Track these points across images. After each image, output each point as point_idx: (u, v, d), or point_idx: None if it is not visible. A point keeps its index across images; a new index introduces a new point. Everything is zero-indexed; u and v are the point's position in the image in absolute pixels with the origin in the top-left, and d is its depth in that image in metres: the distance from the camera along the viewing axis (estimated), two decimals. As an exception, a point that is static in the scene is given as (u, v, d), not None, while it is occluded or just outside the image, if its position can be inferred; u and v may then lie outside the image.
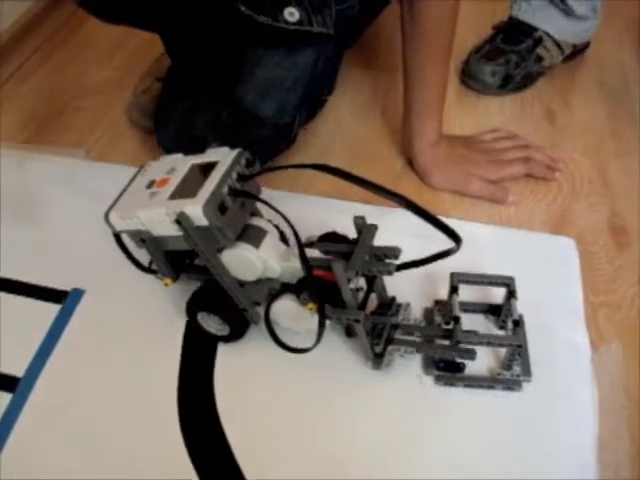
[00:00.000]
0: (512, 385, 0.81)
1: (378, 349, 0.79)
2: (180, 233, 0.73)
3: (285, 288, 0.79)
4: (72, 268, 0.95)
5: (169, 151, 0.90)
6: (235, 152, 0.77)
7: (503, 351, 0.81)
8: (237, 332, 0.84)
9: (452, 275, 0.85)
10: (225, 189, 0.74)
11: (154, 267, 0.83)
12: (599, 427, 0.77)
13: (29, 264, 0.95)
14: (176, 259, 0.82)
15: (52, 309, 0.90)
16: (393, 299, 0.84)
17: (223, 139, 0.91)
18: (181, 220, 0.71)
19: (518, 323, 0.82)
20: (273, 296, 0.79)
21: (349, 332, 0.84)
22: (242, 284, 0.80)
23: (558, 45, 1.27)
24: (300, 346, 0.77)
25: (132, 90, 1.22)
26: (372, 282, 0.81)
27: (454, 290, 0.84)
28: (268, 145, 1.03)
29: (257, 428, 0.78)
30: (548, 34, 1.26)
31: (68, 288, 0.92)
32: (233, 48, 0.98)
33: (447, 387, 0.81)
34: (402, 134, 1.11)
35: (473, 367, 0.83)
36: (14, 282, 0.93)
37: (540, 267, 0.94)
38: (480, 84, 1.27)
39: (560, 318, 0.88)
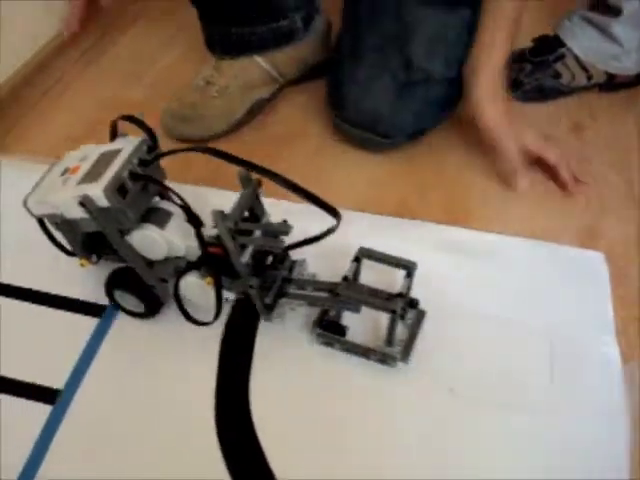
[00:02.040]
0: (386, 359, 0.86)
1: (268, 300, 0.85)
2: (87, 215, 0.80)
3: (190, 266, 0.85)
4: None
5: (354, 124, 1.11)
6: (138, 140, 0.83)
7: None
8: (151, 309, 0.91)
9: (360, 249, 0.89)
10: (126, 173, 0.80)
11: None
12: (631, 442, 0.78)
13: (70, 279, 0.97)
14: (99, 242, 0.88)
15: (90, 323, 0.93)
16: (286, 255, 0.88)
17: (403, 104, 1.08)
18: (85, 202, 0.78)
19: (412, 303, 0.87)
20: (179, 273, 0.85)
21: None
22: (152, 263, 0.86)
23: (583, 66, 1.27)
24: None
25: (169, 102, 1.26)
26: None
27: (356, 260, 0.89)
28: (439, 106, 1.14)
29: (291, 436, 0.82)
30: (572, 52, 1.27)
31: (106, 302, 0.94)
32: (395, 11, 1.07)
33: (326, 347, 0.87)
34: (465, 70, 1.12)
35: (358, 338, 0.88)
36: (54, 296, 0.96)
37: (570, 281, 0.95)
38: None
39: (590, 332, 0.89)
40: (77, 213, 0.81)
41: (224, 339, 0.91)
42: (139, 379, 0.86)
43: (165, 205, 0.86)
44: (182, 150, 0.81)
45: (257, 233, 0.83)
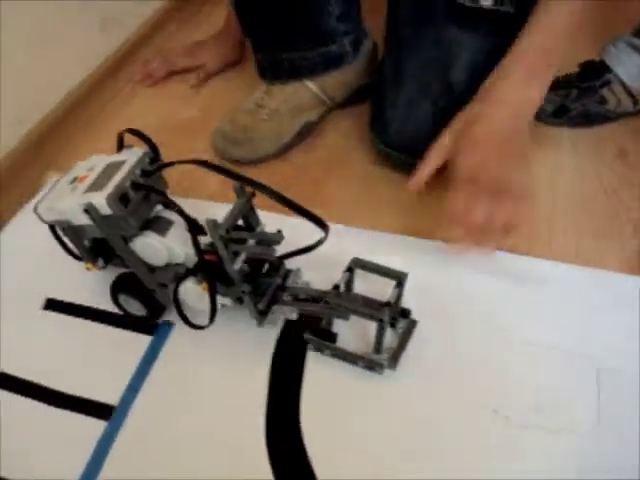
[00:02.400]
0: (374, 366, 0.89)
1: (261, 306, 0.89)
2: (92, 222, 0.85)
3: (188, 272, 0.89)
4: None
5: (395, 147, 1.12)
6: (141, 151, 0.89)
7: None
8: (153, 312, 0.96)
9: (352, 259, 0.93)
10: (128, 183, 0.85)
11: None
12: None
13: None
14: (105, 248, 0.94)
15: (144, 340, 0.96)
16: (281, 264, 0.92)
17: (444, 125, 1.05)
18: (89, 210, 0.83)
19: (404, 313, 0.91)
20: (178, 279, 0.89)
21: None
22: (153, 269, 0.91)
23: (629, 92, 1.27)
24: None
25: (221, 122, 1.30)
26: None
27: (349, 270, 0.92)
28: None
29: (338, 449, 0.83)
30: (618, 78, 1.26)
31: (159, 320, 0.98)
32: (435, 35, 1.08)
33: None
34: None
35: (349, 345, 0.92)
36: (109, 313, 0.99)
37: (618, 309, 0.95)
38: None
39: (633, 360, 0.89)
40: (82, 220, 0.86)
41: (275, 355, 0.93)
42: (191, 395, 0.89)
43: (167, 214, 0.91)
44: (180, 162, 0.86)
45: (251, 242, 0.87)
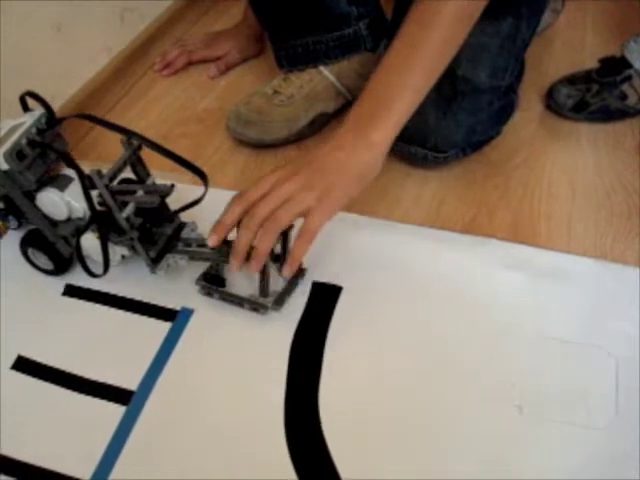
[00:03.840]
0: (258, 307, 0.93)
1: (152, 254, 0.93)
2: (-6, 179, 0.92)
3: (86, 225, 0.94)
4: (182, 288, 0.99)
5: (403, 139, 1.05)
6: (38, 113, 0.94)
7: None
8: (58, 265, 1.01)
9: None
10: (24, 140, 0.91)
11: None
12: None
13: (142, 283, 1.00)
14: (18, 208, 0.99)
15: (163, 327, 0.95)
16: (174, 216, 0.97)
17: (451, 117, 1.09)
18: (-12, 166, 0.90)
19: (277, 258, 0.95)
20: (78, 232, 0.94)
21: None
22: (56, 223, 0.97)
23: None
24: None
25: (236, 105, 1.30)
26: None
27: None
28: (491, 119, 1.14)
29: (358, 438, 0.81)
30: (639, 73, 1.24)
31: (178, 307, 0.97)
32: None
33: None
34: None
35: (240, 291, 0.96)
36: (128, 300, 0.99)
37: (633, 301, 0.94)
38: (554, 103, 1.30)
39: None
40: (-16, 178, 0.91)
41: (295, 340, 0.92)
42: (211, 382, 0.88)
43: (68, 172, 0.95)
44: (68, 117, 0.93)
45: (140, 192, 0.90)
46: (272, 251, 0.89)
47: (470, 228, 1.07)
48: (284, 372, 0.88)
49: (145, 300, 0.99)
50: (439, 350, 0.89)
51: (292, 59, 1.29)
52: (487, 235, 1.05)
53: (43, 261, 1.00)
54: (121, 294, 1.00)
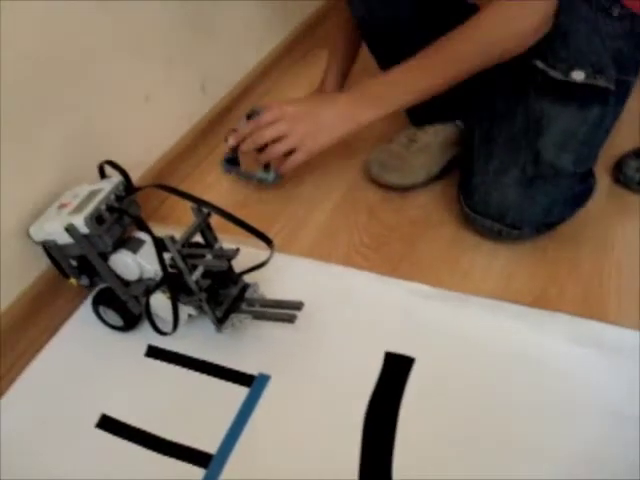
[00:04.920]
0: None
1: (219, 314, 0.99)
2: (72, 240, 0.99)
3: (157, 285, 1.02)
4: (258, 354, 1.02)
5: (482, 213, 1.17)
6: (116, 180, 1.03)
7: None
8: (127, 322, 1.08)
9: None
10: (103, 206, 0.99)
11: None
12: None
13: (221, 348, 1.04)
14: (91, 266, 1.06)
15: (241, 391, 0.98)
16: (239, 278, 1.03)
17: (530, 197, 1.14)
18: (70, 229, 0.97)
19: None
20: (148, 291, 1.02)
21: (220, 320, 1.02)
22: (128, 283, 1.04)
23: None
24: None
25: (372, 153, 1.38)
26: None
27: None
28: (569, 202, 1.17)
29: None
30: None
31: (255, 373, 1.00)
32: (525, 107, 1.14)
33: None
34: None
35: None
36: (207, 363, 1.03)
37: None
38: (623, 176, 1.31)
39: None
40: (65, 239, 0.99)
41: (369, 411, 0.95)
42: (287, 447, 0.90)
43: (141, 235, 1.03)
44: (145, 187, 1.00)
45: (208, 256, 0.98)
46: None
47: (539, 302, 1.08)
48: (358, 441, 0.91)
49: (222, 363, 1.03)
50: (505, 425, 0.91)
51: (428, 117, 1.38)
52: (556, 309, 1.06)
53: (113, 318, 1.07)
54: (199, 356, 1.04)
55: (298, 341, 1.03)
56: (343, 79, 1.49)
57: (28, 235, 1.03)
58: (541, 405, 0.93)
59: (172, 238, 0.93)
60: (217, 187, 1.43)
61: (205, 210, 0.99)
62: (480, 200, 1.17)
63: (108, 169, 1.07)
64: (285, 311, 1.00)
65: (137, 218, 1.00)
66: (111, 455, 0.91)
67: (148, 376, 1.02)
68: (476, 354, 0.99)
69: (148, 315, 1.01)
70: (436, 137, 1.36)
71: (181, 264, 0.95)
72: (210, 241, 1.01)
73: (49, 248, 1.02)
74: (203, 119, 1.52)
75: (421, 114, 1.36)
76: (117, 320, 1.07)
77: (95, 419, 0.96)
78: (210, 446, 0.91)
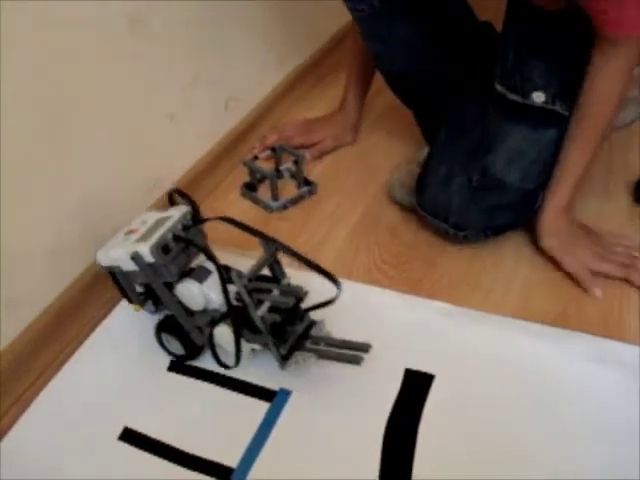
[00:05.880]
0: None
1: (283, 351, 0.96)
2: (137, 268, 0.98)
3: (221, 317, 1.00)
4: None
5: (429, 212, 1.23)
6: (184, 209, 1.01)
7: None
8: (190, 352, 1.06)
9: None
10: (170, 235, 0.98)
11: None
12: None
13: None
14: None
15: (262, 406, 0.99)
16: (304, 315, 1.00)
17: (474, 203, 1.19)
18: (135, 257, 0.96)
19: None
20: (213, 322, 1.00)
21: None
22: (192, 313, 1.02)
23: None
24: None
25: (393, 173, 1.41)
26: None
27: None
28: (514, 211, 1.22)
29: None
30: None
31: (276, 388, 1.01)
32: (484, 122, 1.20)
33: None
34: None
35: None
36: (228, 378, 1.03)
37: None
38: None
39: None
40: (130, 266, 0.98)
41: (388, 428, 0.95)
42: (308, 462, 0.91)
43: (207, 264, 1.01)
44: (211, 219, 0.99)
45: (275, 292, 0.96)
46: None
47: (559, 321, 1.07)
48: (378, 458, 0.90)
49: (244, 378, 1.03)
50: (523, 444, 0.91)
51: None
52: (576, 329, 1.05)
53: (175, 346, 1.05)
54: (221, 371, 1.03)
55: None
56: (363, 99, 1.58)
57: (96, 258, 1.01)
58: (558, 424, 0.92)
59: (239, 273, 0.90)
60: (240, 204, 1.45)
61: (274, 245, 0.95)
62: (428, 200, 1.23)
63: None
64: (351, 352, 0.96)
65: (205, 250, 0.97)
66: (133, 467, 0.92)
67: (170, 390, 1.03)
68: (495, 372, 0.99)
69: (211, 346, 1.00)
70: None
71: (247, 299, 0.93)
72: (278, 276, 0.98)
73: (114, 274, 1.00)
74: (226, 137, 1.54)
75: (436, 133, 1.34)
76: (179, 349, 1.05)
77: (118, 432, 0.97)
78: (231, 460, 0.91)
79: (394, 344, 1.04)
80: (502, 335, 1.05)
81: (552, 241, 1.18)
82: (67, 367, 1.07)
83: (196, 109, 1.45)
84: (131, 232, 1.02)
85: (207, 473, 0.90)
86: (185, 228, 0.99)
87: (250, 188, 1.46)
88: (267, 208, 1.40)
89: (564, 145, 1.15)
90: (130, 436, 0.96)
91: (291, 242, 0.97)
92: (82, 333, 1.13)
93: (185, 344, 1.04)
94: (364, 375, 0.99)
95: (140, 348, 1.09)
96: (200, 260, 1.03)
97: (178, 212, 1.00)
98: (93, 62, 1.11)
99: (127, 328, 1.12)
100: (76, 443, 0.96)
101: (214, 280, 0.99)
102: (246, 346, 1.00)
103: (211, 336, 0.99)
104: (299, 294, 0.95)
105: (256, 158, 1.51)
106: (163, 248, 0.96)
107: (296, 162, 1.44)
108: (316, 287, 0.94)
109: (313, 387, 0.99)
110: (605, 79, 1.09)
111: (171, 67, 1.32)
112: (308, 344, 0.99)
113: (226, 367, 1.01)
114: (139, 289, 1.05)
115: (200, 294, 0.99)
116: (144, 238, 0.97)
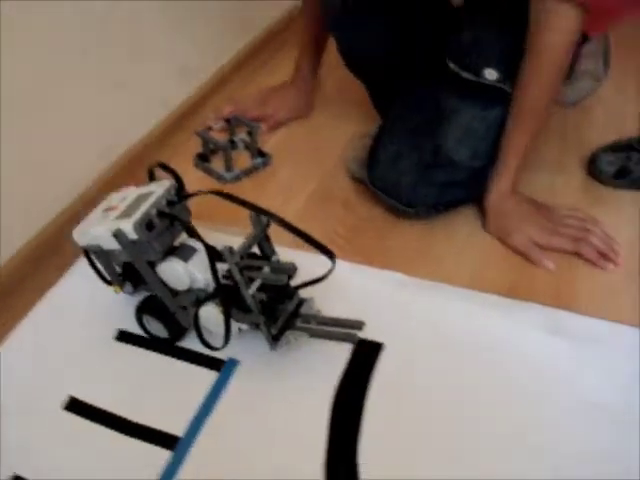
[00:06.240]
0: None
1: (274, 331, 0.93)
2: (120, 246, 0.93)
3: (208, 296, 0.96)
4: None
5: (380, 188, 1.23)
6: (167, 184, 0.96)
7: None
8: (174, 334, 1.01)
9: None
10: (154, 211, 0.93)
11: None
12: None
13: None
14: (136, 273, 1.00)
15: (210, 375, 0.98)
16: (294, 293, 0.97)
17: (424, 181, 1.19)
18: (118, 235, 0.91)
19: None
20: (198, 302, 0.96)
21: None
22: (176, 293, 0.98)
23: None
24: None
25: (348, 147, 1.43)
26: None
27: None
28: (464, 187, 1.24)
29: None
30: None
31: (225, 357, 1.00)
32: (436, 101, 1.21)
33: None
34: None
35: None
36: (178, 347, 1.02)
37: None
38: (596, 170, 1.34)
39: None
40: (112, 244, 0.93)
41: (337, 395, 0.95)
42: (254, 431, 0.91)
43: (191, 242, 0.97)
44: (200, 193, 0.93)
45: (266, 269, 0.92)
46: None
47: (511, 292, 1.09)
48: (325, 425, 0.90)
49: (193, 348, 1.01)
50: (473, 413, 0.91)
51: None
52: (528, 299, 1.06)
53: (157, 328, 1.01)
54: (170, 341, 1.02)
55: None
56: (316, 69, 1.58)
57: (71, 237, 0.95)
58: (509, 392, 0.93)
59: (231, 249, 0.87)
60: (193, 175, 1.43)
61: (264, 220, 0.91)
62: (379, 177, 1.24)
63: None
64: (345, 330, 0.93)
65: (190, 226, 0.93)
66: (78, 437, 0.91)
67: (117, 359, 1.01)
68: (446, 341, 1.00)
69: (197, 327, 0.95)
70: None
71: (238, 277, 0.89)
72: (267, 253, 0.95)
73: (92, 253, 0.96)
74: (180, 107, 1.55)
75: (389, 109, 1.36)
76: (162, 331, 1.01)
77: (63, 401, 0.95)
78: (177, 429, 0.90)
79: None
80: (454, 305, 1.05)
81: (497, 223, 1.20)
82: (12, 336, 1.05)
83: (149, 78, 1.43)
84: (110, 209, 0.97)
85: (153, 442, 0.90)
86: (170, 204, 0.94)
87: (203, 159, 1.45)
88: (220, 179, 1.39)
89: (506, 127, 1.17)
90: (75, 405, 0.95)
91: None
92: (29, 303, 1.10)
93: (169, 326, 1.00)
94: (314, 345, 0.98)
95: (87, 317, 1.08)
96: (182, 238, 0.98)
97: (161, 187, 0.96)
98: (44, 31, 1.10)
99: (74, 298, 1.11)
100: (21, 413, 0.94)
101: (199, 258, 0.96)
102: (234, 326, 0.96)
103: (196, 317, 0.95)
104: (290, 271, 0.91)
105: (210, 129, 1.48)
106: (147, 225, 0.91)
107: (250, 133, 1.43)
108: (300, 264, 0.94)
109: (262, 357, 0.98)
110: (543, 53, 1.10)
111: (123, 35, 1.32)
112: (298, 322, 0.96)
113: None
114: (117, 269, 1.00)
115: (185, 273, 0.95)
116: (126, 214, 0.93)
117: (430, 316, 1.04)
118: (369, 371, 0.97)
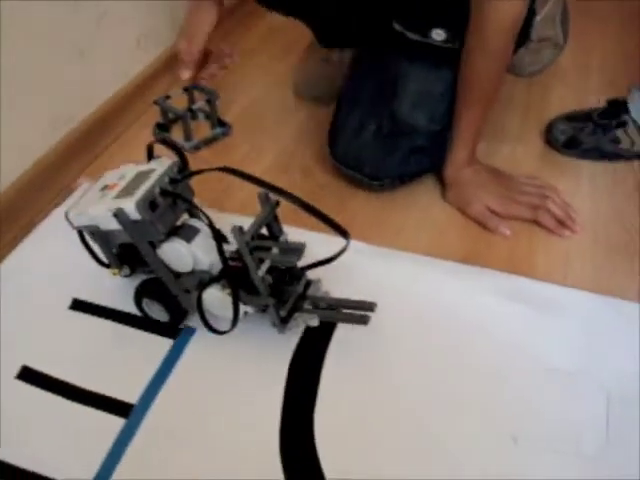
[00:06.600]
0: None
1: (283, 313, 0.91)
2: (121, 227, 0.88)
3: (212, 278, 0.92)
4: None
5: (343, 163, 1.22)
6: (170, 161, 0.92)
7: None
8: (175, 317, 0.98)
9: None
10: (157, 190, 0.88)
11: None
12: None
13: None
14: (131, 255, 0.96)
15: (165, 343, 0.98)
16: (302, 274, 0.94)
17: (386, 151, 1.18)
18: (119, 215, 0.86)
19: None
20: (202, 285, 0.92)
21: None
22: (179, 275, 0.93)
23: None
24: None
25: (295, 74, 1.42)
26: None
27: None
28: (428, 155, 1.22)
29: (356, 465, 0.84)
30: (635, 121, 1.30)
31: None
32: (386, 65, 1.20)
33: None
34: None
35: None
36: (132, 316, 1.01)
37: (633, 337, 0.96)
38: (550, 136, 1.37)
39: None
40: (112, 225, 0.88)
41: (292, 363, 0.95)
42: (209, 399, 0.91)
43: (193, 222, 0.93)
44: (207, 170, 0.88)
45: (275, 250, 0.89)
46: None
47: (469, 259, 1.10)
48: (281, 392, 0.91)
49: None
50: (437, 379, 0.92)
51: (338, 42, 1.44)
52: (486, 266, 1.08)
53: (158, 312, 0.98)
54: (125, 309, 1.02)
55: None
56: None
57: (66, 218, 0.90)
58: (474, 359, 0.94)
59: (241, 229, 0.83)
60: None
61: (274, 199, 0.88)
62: (341, 151, 1.23)
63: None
64: (358, 312, 0.91)
65: (195, 205, 0.90)
66: (31, 406, 0.90)
67: (71, 328, 1.00)
68: (405, 307, 1.00)
69: (200, 311, 0.92)
70: (348, 52, 1.42)
71: (248, 258, 0.86)
72: (276, 233, 0.92)
73: (88, 234, 0.92)
74: (138, 76, 1.53)
75: (331, 38, 1.40)
76: (162, 315, 0.98)
77: (15, 370, 0.94)
78: (131, 397, 0.90)
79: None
80: (412, 272, 1.06)
81: (456, 194, 1.21)
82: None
83: (107, 46, 1.40)
84: (108, 187, 0.92)
85: (106, 410, 0.89)
86: (172, 182, 0.90)
87: (163, 128, 1.43)
88: (181, 148, 1.31)
89: (456, 97, 1.16)
90: (28, 374, 0.94)
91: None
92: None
93: (170, 309, 0.96)
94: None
95: (41, 286, 1.07)
96: (184, 218, 0.94)
97: (162, 164, 0.91)
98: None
99: (28, 266, 1.10)
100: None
101: (202, 239, 0.92)
102: (240, 309, 0.92)
103: (200, 300, 0.91)
104: (300, 252, 0.88)
105: (168, 97, 1.43)
106: (150, 204, 0.87)
107: (209, 101, 1.40)
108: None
109: (217, 324, 0.95)
110: (488, 18, 1.06)
111: (78, 2, 1.28)
112: (306, 305, 0.93)
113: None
114: (114, 251, 0.96)
115: (188, 254, 0.91)
116: (127, 193, 0.88)
117: (388, 283, 1.03)
118: (326, 338, 0.97)
